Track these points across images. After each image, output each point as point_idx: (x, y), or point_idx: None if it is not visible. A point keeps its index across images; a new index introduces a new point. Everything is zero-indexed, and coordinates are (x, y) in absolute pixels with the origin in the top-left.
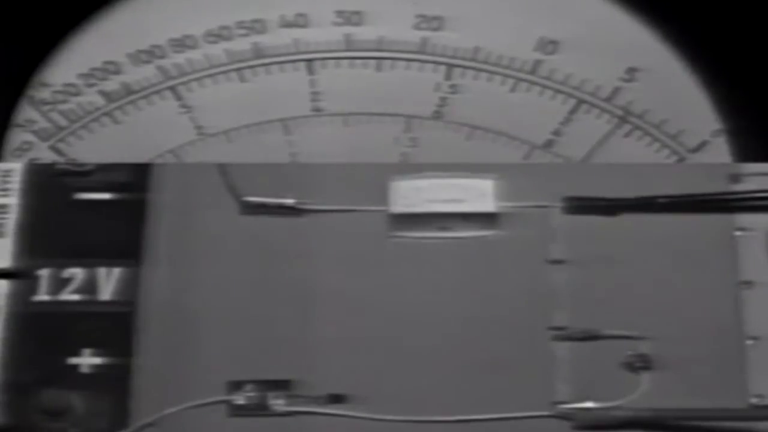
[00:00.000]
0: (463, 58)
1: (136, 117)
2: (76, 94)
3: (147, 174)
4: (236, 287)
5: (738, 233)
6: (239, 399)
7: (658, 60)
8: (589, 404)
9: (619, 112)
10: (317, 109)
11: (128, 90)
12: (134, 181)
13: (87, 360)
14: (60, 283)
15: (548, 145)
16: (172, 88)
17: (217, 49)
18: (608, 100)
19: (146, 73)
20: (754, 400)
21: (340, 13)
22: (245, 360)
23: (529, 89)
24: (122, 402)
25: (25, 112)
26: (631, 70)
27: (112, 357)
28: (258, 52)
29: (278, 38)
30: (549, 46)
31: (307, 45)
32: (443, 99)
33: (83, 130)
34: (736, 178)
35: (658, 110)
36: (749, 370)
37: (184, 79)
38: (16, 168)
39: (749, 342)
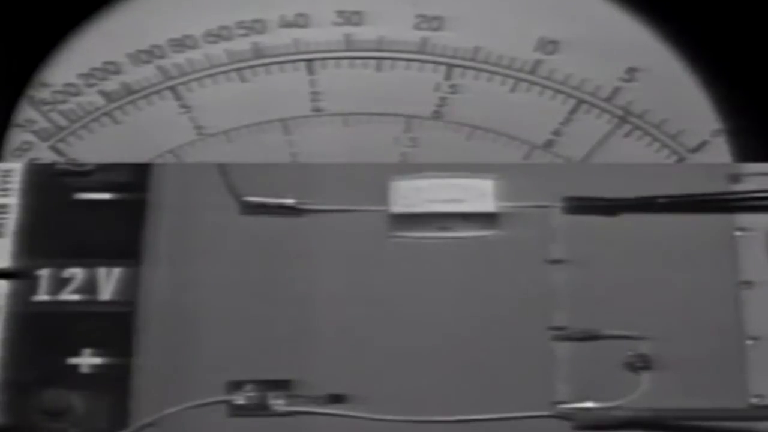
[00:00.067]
0: (463, 58)
1: (136, 117)
2: (76, 94)
3: (147, 174)
4: (236, 287)
5: (738, 233)
6: (239, 399)
7: (658, 60)
8: (589, 404)
9: (619, 112)
10: (317, 109)
11: (128, 90)
12: (134, 181)
13: (87, 360)
14: (60, 283)
15: (548, 145)
16: (172, 88)
17: (217, 49)
18: (608, 100)
19: (146, 73)
20: (754, 400)
21: (340, 13)
22: (245, 360)
23: (529, 89)
24: (122, 402)
25: (25, 112)
26: (631, 70)
27: (112, 357)
28: (258, 52)
29: (278, 38)
30: (549, 46)
31: (307, 45)
32: (443, 99)
33: (83, 130)
34: (736, 178)
35: (658, 110)
36: (749, 370)
37: (184, 79)
38: (16, 168)
39: (749, 342)
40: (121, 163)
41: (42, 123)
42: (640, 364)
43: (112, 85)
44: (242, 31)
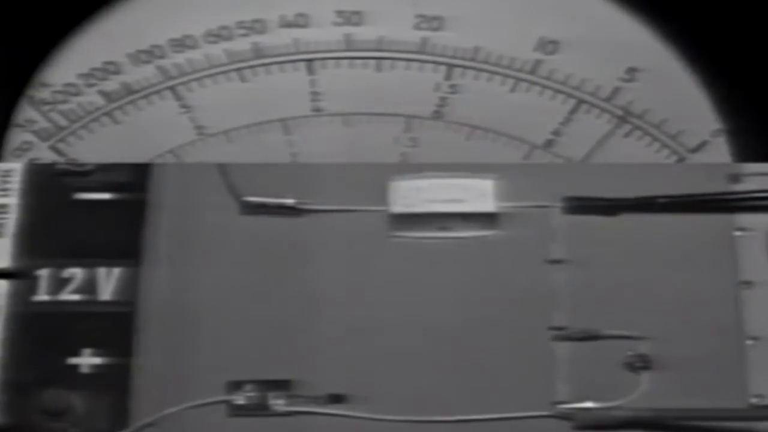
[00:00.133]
0: (463, 58)
1: (136, 117)
2: (76, 94)
3: (147, 174)
4: (236, 287)
5: (738, 233)
6: (239, 399)
7: (658, 60)
8: (589, 404)
9: (619, 112)
10: (317, 109)
11: (128, 90)
12: (134, 181)
13: (87, 360)
14: (60, 283)
15: (548, 145)
16: (172, 88)
17: (217, 49)
18: (608, 100)
19: (146, 73)
20: (754, 400)
21: (340, 13)
22: (245, 360)
23: (529, 89)
24: (122, 402)
25: (25, 112)
26: (631, 70)
27: (112, 357)
28: (258, 52)
29: (278, 38)
30: (549, 46)
31: (307, 45)
32: (443, 99)
33: (83, 130)
34: (736, 178)
35: (658, 110)
36: (749, 370)
37: (184, 79)
38: (16, 168)
39: (749, 342)
40: (121, 163)
41: (42, 123)
42: (640, 364)
43: (112, 85)
44: (242, 31)
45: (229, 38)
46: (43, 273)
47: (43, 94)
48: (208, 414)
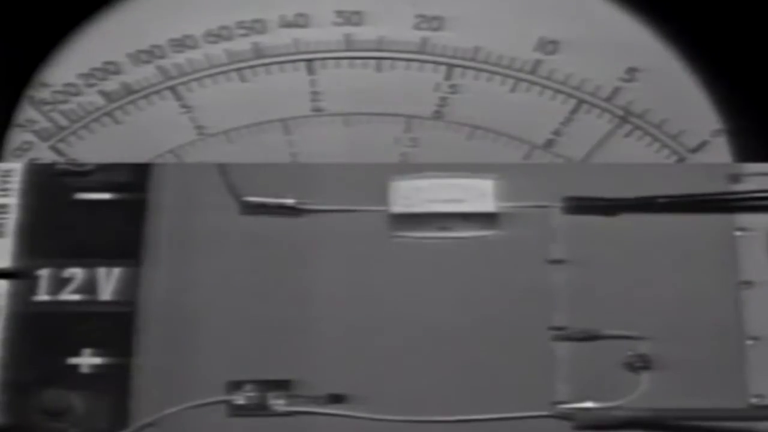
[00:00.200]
0: (463, 58)
1: (136, 117)
2: (76, 94)
3: (147, 174)
4: (236, 287)
5: (738, 233)
6: (239, 399)
7: (658, 60)
8: (589, 404)
9: (620, 112)
10: (317, 109)
11: (128, 90)
12: (134, 181)
13: (87, 360)
14: (60, 283)
15: (548, 145)
16: (172, 88)
17: (217, 49)
18: (608, 100)
19: (146, 73)
20: (754, 400)
21: (340, 13)
22: (245, 360)
23: (529, 89)
24: (122, 402)
25: (26, 112)
26: (631, 70)
27: (112, 357)
28: (258, 52)
29: (278, 38)
30: (549, 46)
31: (307, 45)
32: (443, 99)
33: (83, 130)
34: (736, 178)
35: (658, 110)
36: (749, 370)
37: (184, 79)
38: (16, 168)
39: (749, 342)
40: (121, 163)
41: (42, 123)
42: (640, 364)
43: (112, 85)
44: (242, 31)
45: (229, 38)
46: (43, 273)
47: (43, 94)
48: (208, 414)
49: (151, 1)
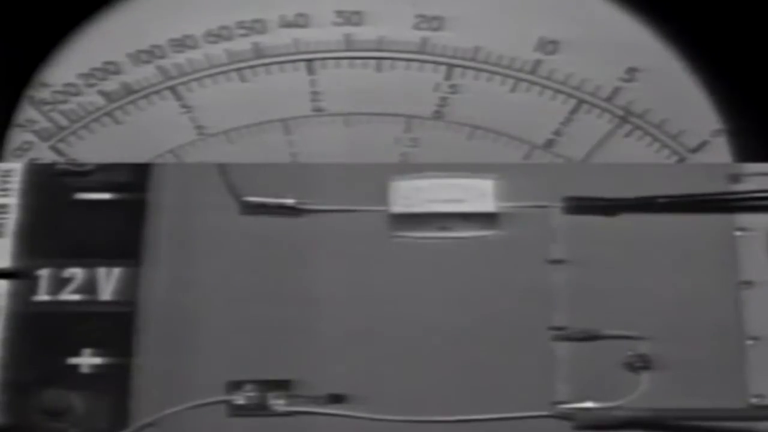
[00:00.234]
0: (463, 58)
1: (136, 117)
2: (76, 94)
3: (147, 174)
4: (236, 287)
5: (738, 233)
6: (239, 399)
7: (658, 60)
8: (589, 404)
9: (620, 112)
10: (317, 109)
11: (128, 90)
12: (134, 181)
13: (87, 360)
14: (60, 283)
15: (548, 145)
16: (172, 88)
17: (217, 49)
18: (608, 100)
19: (146, 73)
20: (754, 400)
21: (340, 13)
22: (245, 360)
23: (529, 89)
24: (122, 402)
25: (26, 112)
26: (631, 70)
27: (112, 357)
28: (258, 52)
29: (278, 38)
30: (549, 46)
31: (307, 45)
32: (443, 99)
33: (83, 130)
34: (736, 178)
35: (658, 110)
36: (749, 370)
37: (184, 79)
38: (16, 168)
39: (749, 342)
40: (121, 163)
41: (42, 123)
42: (640, 364)
43: (112, 85)
44: (242, 31)
45: (229, 38)
46: (43, 273)
47: (43, 94)
48: (208, 414)
49: (151, 1)
